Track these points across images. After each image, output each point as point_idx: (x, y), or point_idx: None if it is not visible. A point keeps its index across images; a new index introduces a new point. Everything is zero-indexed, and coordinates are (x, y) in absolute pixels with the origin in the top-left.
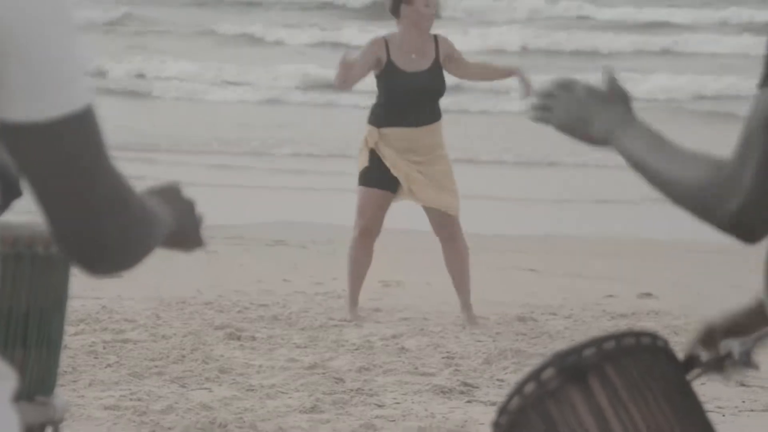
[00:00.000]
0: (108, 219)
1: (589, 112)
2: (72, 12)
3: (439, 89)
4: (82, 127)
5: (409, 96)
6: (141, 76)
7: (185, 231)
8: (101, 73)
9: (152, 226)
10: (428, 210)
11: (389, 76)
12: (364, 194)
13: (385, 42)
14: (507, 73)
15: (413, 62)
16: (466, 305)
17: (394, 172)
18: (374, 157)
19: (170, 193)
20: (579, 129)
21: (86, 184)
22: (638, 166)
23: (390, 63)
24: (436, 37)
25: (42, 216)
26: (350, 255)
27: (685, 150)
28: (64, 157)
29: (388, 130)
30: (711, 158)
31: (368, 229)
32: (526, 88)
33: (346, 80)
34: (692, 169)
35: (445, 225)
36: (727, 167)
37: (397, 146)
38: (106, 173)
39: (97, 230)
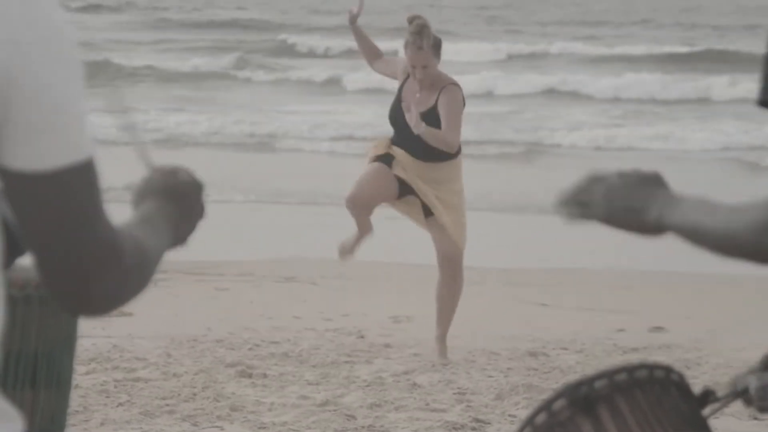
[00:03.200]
0: (100, 270)
1: (638, 200)
2: (79, 63)
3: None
4: (83, 178)
5: (400, 129)
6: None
7: (186, 221)
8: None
9: (145, 269)
10: (436, 240)
11: (393, 101)
12: (371, 167)
13: (407, 71)
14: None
15: (417, 99)
16: (441, 338)
17: (403, 175)
18: (385, 155)
19: (173, 184)
20: (630, 219)
21: (82, 236)
22: (698, 236)
23: (399, 90)
24: (441, 90)
25: (33, 262)
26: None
27: (738, 204)
28: (63, 207)
29: (396, 149)
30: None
31: (358, 200)
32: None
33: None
34: (751, 212)
35: (451, 259)
36: None
37: (403, 163)
38: (101, 226)
39: (89, 282)
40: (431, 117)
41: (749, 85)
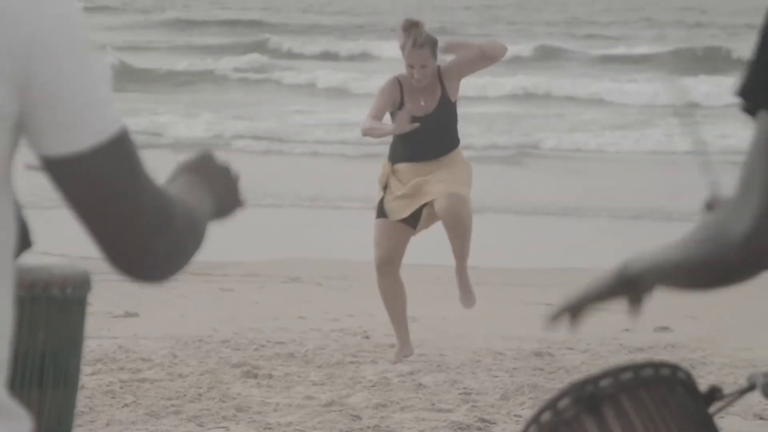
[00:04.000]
0: (155, 236)
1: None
2: (93, 44)
3: (447, 125)
4: (118, 152)
5: (417, 138)
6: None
7: (223, 200)
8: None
9: (197, 229)
10: (437, 207)
11: (397, 112)
12: (378, 225)
13: (399, 82)
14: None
15: (421, 108)
16: (461, 272)
17: (404, 191)
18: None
19: (204, 164)
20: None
21: (130, 206)
22: (664, 275)
23: (402, 105)
24: (439, 71)
25: (91, 240)
26: (380, 291)
27: (691, 229)
28: (105, 183)
29: (400, 166)
30: (716, 211)
31: (384, 260)
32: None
33: (371, 134)
34: (701, 232)
35: (453, 212)
36: (730, 202)
37: (405, 178)
38: (147, 192)
39: (147, 248)
40: (445, 108)
41: None
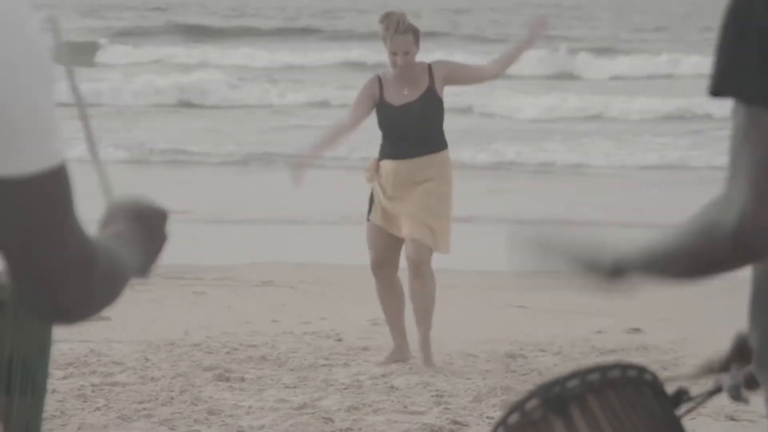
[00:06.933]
0: (70, 278)
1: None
2: (52, 68)
3: (432, 116)
4: (55, 184)
5: (400, 129)
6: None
7: (151, 245)
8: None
9: (118, 278)
10: (406, 244)
11: (381, 111)
12: (369, 228)
13: (379, 79)
14: (521, 48)
15: (404, 96)
16: (422, 345)
17: (384, 204)
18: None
19: (140, 205)
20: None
21: (53, 242)
22: (650, 268)
23: (382, 99)
24: (430, 66)
25: (5, 267)
26: (377, 294)
27: (682, 221)
28: (35, 212)
29: (383, 163)
30: (706, 203)
31: (376, 261)
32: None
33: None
34: (693, 223)
35: (412, 257)
36: (719, 195)
37: (389, 179)
38: (72, 232)
39: (59, 288)
40: (430, 99)
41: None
